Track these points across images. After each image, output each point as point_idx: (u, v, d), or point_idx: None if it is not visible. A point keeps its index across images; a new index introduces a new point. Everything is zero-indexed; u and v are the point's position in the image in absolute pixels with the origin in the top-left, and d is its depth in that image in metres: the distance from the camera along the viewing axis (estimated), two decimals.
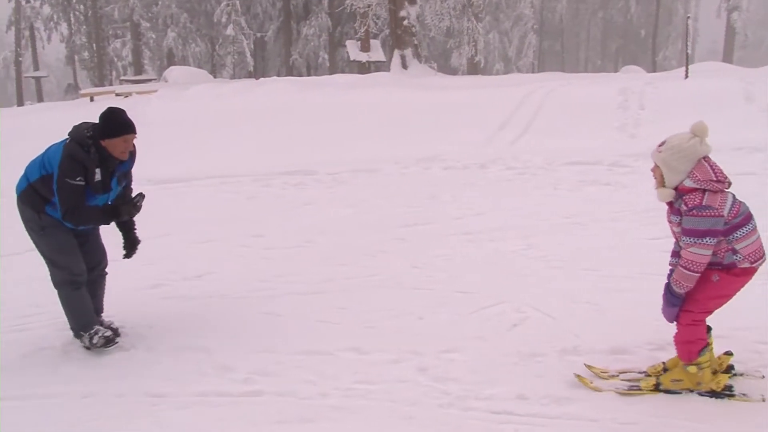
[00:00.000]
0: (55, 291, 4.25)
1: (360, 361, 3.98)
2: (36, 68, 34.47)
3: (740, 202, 3.30)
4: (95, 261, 4.38)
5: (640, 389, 3.51)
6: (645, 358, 3.77)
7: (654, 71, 27.12)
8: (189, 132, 11.78)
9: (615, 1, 42.46)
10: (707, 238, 3.17)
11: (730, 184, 3.25)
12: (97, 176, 4.01)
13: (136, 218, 4.32)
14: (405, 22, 20.80)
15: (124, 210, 4.15)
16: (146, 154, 10.05)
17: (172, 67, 23.39)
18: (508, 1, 34.87)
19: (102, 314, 4.53)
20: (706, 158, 3.26)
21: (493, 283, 5.09)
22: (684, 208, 3.22)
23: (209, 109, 12.90)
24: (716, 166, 3.26)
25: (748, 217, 3.30)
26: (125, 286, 5.23)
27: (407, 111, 11.82)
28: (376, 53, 22.50)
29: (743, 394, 3.41)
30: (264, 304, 4.92)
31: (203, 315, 4.79)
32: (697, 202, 3.18)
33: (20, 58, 32.62)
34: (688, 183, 3.23)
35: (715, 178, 3.20)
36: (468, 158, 9.30)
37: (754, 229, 3.30)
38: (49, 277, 4.23)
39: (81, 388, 3.82)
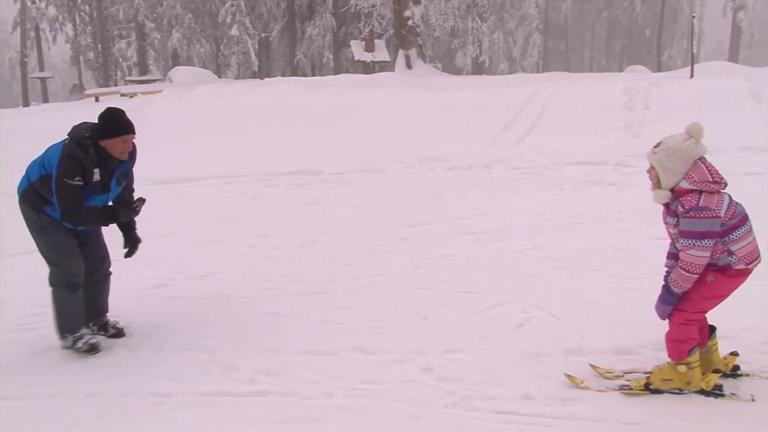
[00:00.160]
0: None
1: (364, 361, 3.97)
2: (41, 69, 34.60)
3: (736, 203, 3.29)
4: (97, 261, 4.38)
5: (631, 389, 3.50)
6: (650, 359, 3.76)
7: (659, 71, 27.04)
8: (194, 132, 11.80)
9: (620, 1, 42.36)
10: (706, 240, 3.16)
11: (726, 184, 3.24)
12: (96, 176, 4.00)
13: (138, 218, 4.31)
14: (409, 22, 20.81)
15: (122, 213, 4.14)
16: (151, 154, 10.08)
17: (176, 68, 23.43)
18: (513, 1, 34.88)
19: (107, 314, 4.53)
20: (702, 159, 3.25)
21: (498, 283, 5.08)
22: (681, 209, 3.21)
23: (214, 109, 12.93)
24: (712, 166, 3.24)
25: (744, 218, 3.28)
26: (130, 286, 5.24)
27: (412, 111, 11.82)
28: (381, 53, 22.50)
29: (733, 394, 3.40)
30: (268, 304, 4.92)
31: (208, 315, 4.79)
32: (694, 203, 3.17)
33: (26, 59, 32.75)
34: (685, 184, 3.21)
35: (711, 179, 3.19)
36: (472, 158, 9.29)
37: (750, 230, 3.29)
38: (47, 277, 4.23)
39: (84, 388, 3.83)
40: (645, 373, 3.64)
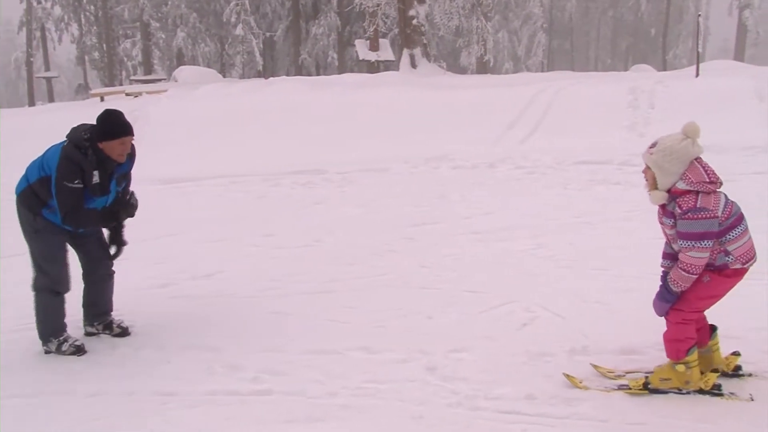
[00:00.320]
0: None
1: (369, 361, 3.98)
2: (47, 69, 34.65)
3: (732, 202, 3.28)
4: (96, 261, 4.37)
5: (629, 388, 3.50)
6: (654, 359, 3.74)
7: (664, 70, 26.97)
8: (198, 131, 11.82)
9: (625, 0, 42.26)
10: (705, 241, 3.15)
11: (721, 183, 3.24)
12: (95, 178, 3.99)
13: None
14: (414, 22, 20.77)
15: (123, 213, 4.16)
16: (156, 154, 10.10)
17: (181, 67, 23.44)
18: (518, 0, 34.79)
19: (111, 313, 4.54)
20: (698, 159, 3.24)
21: (502, 283, 5.08)
22: (678, 211, 3.20)
23: (218, 108, 12.94)
24: (708, 166, 3.24)
25: (740, 218, 3.28)
26: (134, 285, 5.25)
27: (416, 110, 11.82)
28: (385, 52, 22.47)
29: (732, 394, 3.40)
30: (273, 304, 4.93)
31: (212, 314, 4.80)
32: (692, 204, 3.16)
33: (31, 59, 32.78)
34: (681, 185, 3.21)
35: (707, 179, 3.18)
36: (477, 157, 9.29)
37: (746, 229, 3.28)
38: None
39: (89, 387, 3.84)
40: (646, 373, 3.63)
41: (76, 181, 3.91)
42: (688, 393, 3.42)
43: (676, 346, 3.39)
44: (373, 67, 21.87)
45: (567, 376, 3.61)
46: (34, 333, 4.31)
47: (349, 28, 29.20)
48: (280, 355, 4.09)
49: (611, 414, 3.30)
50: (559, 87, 12.43)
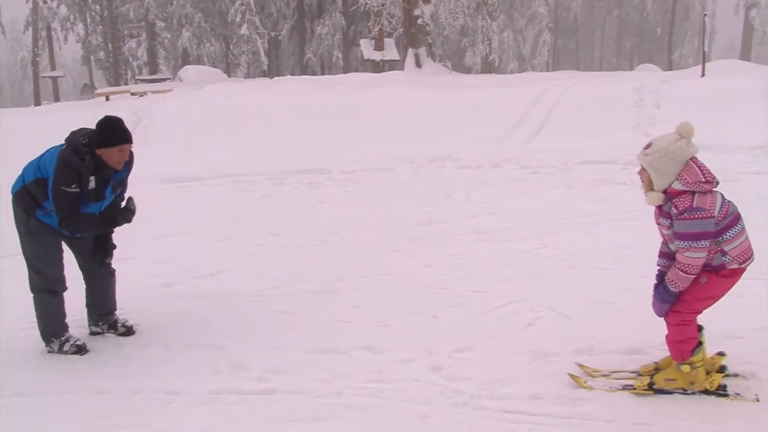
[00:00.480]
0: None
1: (373, 360, 3.98)
2: (53, 68, 34.76)
3: (729, 201, 3.28)
4: (87, 253, 4.32)
5: (634, 388, 3.49)
6: (659, 359, 3.74)
7: (670, 69, 26.90)
8: (203, 131, 11.83)
9: None
10: (701, 241, 3.15)
11: (717, 183, 3.23)
12: (91, 184, 3.97)
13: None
14: (419, 21, 20.76)
15: (121, 219, 4.15)
16: (161, 153, 10.11)
17: (186, 67, 23.46)
18: (523, 0, 34.74)
19: (115, 312, 4.55)
20: (693, 159, 3.23)
21: (507, 283, 5.07)
22: (674, 211, 3.19)
23: (223, 108, 12.94)
24: (704, 166, 3.23)
25: (737, 217, 3.27)
26: (139, 284, 5.27)
27: (421, 110, 11.80)
28: (390, 52, 22.47)
29: (737, 394, 3.39)
30: (277, 303, 4.93)
31: (217, 313, 4.81)
32: (688, 204, 3.15)
33: (37, 58, 32.92)
34: (677, 185, 3.20)
35: (703, 179, 3.17)
36: (482, 157, 9.28)
37: (743, 229, 3.27)
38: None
39: (95, 385, 3.85)
40: (632, 372, 3.64)
41: (73, 186, 3.89)
42: (693, 393, 3.42)
43: (680, 347, 3.38)
44: (377, 67, 21.86)
45: (572, 376, 3.60)
46: (37, 332, 4.33)
47: (354, 27, 29.21)
48: (284, 354, 4.09)
49: (616, 414, 3.30)
50: (565, 87, 12.40)
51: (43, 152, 4.12)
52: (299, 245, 6.33)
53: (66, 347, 4.25)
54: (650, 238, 5.74)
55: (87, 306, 4.48)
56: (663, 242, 3.47)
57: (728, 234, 3.21)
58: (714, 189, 3.22)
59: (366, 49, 22.48)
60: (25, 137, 11.12)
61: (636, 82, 12.21)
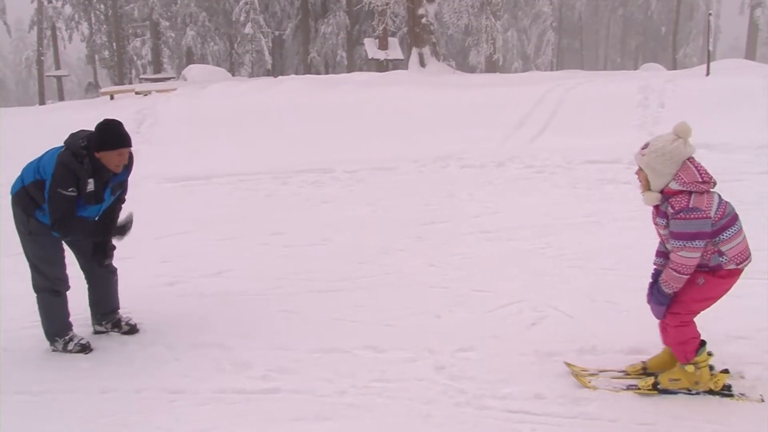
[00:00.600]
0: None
1: (377, 360, 3.98)
2: (57, 67, 34.79)
3: (726, 202, 3.27)
4: (88, 253, 4.32)
5: (638, 388, 3.49)
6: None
7: (675, 69, 26.84)
8: (207, 130, 11.83)
9: None
10: (696, 241, 3.14)
11: (715, 183, 3.22)
12: (90, 187, 3.97)
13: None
14: (423, 20, 20.75)
15: (115, 233, 4.16)
16: (165, 152, 10.11)
17: (190, 66, 23.48)
18: None
19: (119, 311, 4.56)
20: (690, 159, 3.23)
21: (511, 282, 5.07)
22: (671, 211, 3.19)
23: (227, 107, 12.95)
24: (701, 166, 3.23)
25: (734, 218, 3.26)
26: (143, 283, 5.28)
27: (425, 109, 11.79)
28: (394, 51, 22.45)
29: (742, 394, 3.39)
30: (281, 302, 4.94)
31: (220, 312, 4.81)
32: (684, 204, 3.15)
33: (42, 58, 32.95)
34: (674, 185, 3.20)
35: (700, 179, 3.17)
36: (486, 156, 9.26)
37: (740, 229, 3.27)
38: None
39: (99, 384, 3.86)
40: (618, 371, 3.64)
41: (70, 189, 3.88)
42: (697, 393, 3.41)
43: (682, 348, 3.38)
44: (382, 66, 21.85)
45: (577, 377, 3.60)
46: (40, 331, 4.34)
47: (358, 26, 29.19)
48: (288, 353, 4.09)
49: (620, 414, 3.30)
50: (569, 86, 12.38)
51: (42, 153, 4.13)
52: (303, 244, 6.33)
53: (70, 346, 4.26)
54: (654, 237, 5.73)
55: (90, 305, 4.49)
56: (660, 242, 3.47)
57: (725, 234, 3.21)
58: (711, 189, 3.21)
59: (370, 48, 22.46)
60: (26, 137, 11.15)
61: (640, 82, 12.18)
